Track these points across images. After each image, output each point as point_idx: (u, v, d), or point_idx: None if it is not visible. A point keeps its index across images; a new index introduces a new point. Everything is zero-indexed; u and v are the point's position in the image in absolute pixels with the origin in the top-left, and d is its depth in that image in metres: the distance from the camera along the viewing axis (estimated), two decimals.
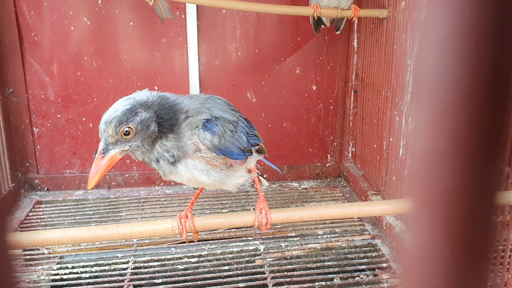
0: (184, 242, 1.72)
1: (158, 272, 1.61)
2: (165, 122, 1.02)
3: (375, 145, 1.96)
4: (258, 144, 1.25)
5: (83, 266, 1.62)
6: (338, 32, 2.04)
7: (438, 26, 0.18)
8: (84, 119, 2.13)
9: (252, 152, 1.21)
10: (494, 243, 0.20)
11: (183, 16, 2.06)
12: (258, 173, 1.33)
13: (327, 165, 2.36)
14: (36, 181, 2.16)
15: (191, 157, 1.06)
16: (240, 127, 1.16)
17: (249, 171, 1.25)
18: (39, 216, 1.95)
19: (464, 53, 0.17)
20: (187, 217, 1.14)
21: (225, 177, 1.13)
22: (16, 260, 0.20)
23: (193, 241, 1.69)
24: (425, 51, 0.19)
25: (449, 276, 0.19)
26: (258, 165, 1.32)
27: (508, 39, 0.17)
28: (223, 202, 2.06)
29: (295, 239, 1.79)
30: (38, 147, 2.14)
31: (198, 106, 1.10)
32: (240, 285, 1.53)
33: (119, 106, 1.00)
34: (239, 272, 1.60)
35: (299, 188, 2.26)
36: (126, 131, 0.98)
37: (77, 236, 1.09)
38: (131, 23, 2.04)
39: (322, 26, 2.01)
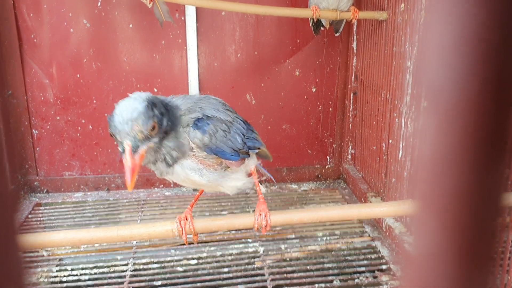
0: (184, 244, 1.72)
1: (157, 274, 1.61)
2: (169, 120, 1.03)
3: (375, 147, 1.96)
4: (259, 148, 1.25)
5: (82, 268, 1.62)
6: (338, 34, 2.05)
7: (443, 28, 0.18)
8: (83, 121, 2.13)
9: (249, 154, 1.21)
10: (497, 245, 0.20)
11: (183, 18, 2.06)
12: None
13: (326, 167, 2.36)
14: (35, 183, 2.16)
15: (188, 157, 1.06)
16: (235, 127, 1.15)
17: (249, 175, 1.24)
18: (39, 218, 1.95)
19: (468, 56, 0.18)
20: (186, 219, 1.14)
21: (220, 178, 1.13)
22: (26, 263, 0.20)
23: (192, 243, 1.69)
24: (430, 54, 0.19)
25: (453, 278, 0.19)
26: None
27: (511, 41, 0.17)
28: (223, 204, 2.06)
29: (294, 241, 1.79)
30: (38, 149, 2.13)
31: (191, 106, 1.10)
32: (240, 287, 1.52)
33: (135, 104, 0.97)
34: (239, 274, 1.60)
35: (299, 190, 2.26)
36: (153, 126, 0.97)
37: (76, 238, 1.09)
38: (131, 25, 2.05)
39: (322, 28, 2.01)
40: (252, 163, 1.24)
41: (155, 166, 1.06)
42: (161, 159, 1.04)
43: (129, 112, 0.96)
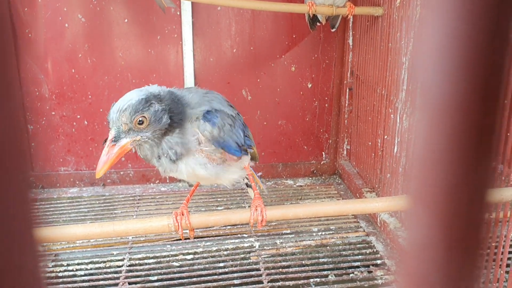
0: (180, 239, 1.72)
1: (153, 269, 1.61)
2: (175, 116, 1.04)
3: (370, 143, 1.97)
4: (251, 147, 1.26)
5: (78, 264, 1.62)
6: (334, 30, 2.05)
7: (438, 24, 0.18)
8: (78, 116, 2.12)
9: (247, 151, 1.22)
10: (487, 239, 0.20)
11: (178, 13, 2.05)
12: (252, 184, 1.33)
13: (322, 163, 2.37)
14: (30, 179, 2.15)
15: (193, 154, 1.07)
16: (238, 123, 1.17)
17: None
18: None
19: (462, 53, 0.18)
20: (183, 214, 1.14)
21: (220, 171, 1.14)
22: (44, 257, 0.20)
23: (188, 238, 1.69)
24: (425, 51, 0.19)
25: (444, 272, 0.19)
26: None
27: (500, 42, 0.17)
28: (218, 199, 2.06)
29: (290, 236, 1.80)
30: (33, 144, 2.13)
31: (199, 100, 1.11)
32: (235, 281, 1.53)
33: (134, 95, 1.00)
34: (234, 269, 1.60)
35: (294, 186, 2.27)
36: (140, 120, 0.98)
37: (72, 234, 1.09)
38: (126, 20, 2.04)
39: (318, 23, 2.02)
40: (246, 161, 1.25)
41: (159, 162, 1.06)
42: (165, 154, 1.05)
43: (123, 102, 0.99)
